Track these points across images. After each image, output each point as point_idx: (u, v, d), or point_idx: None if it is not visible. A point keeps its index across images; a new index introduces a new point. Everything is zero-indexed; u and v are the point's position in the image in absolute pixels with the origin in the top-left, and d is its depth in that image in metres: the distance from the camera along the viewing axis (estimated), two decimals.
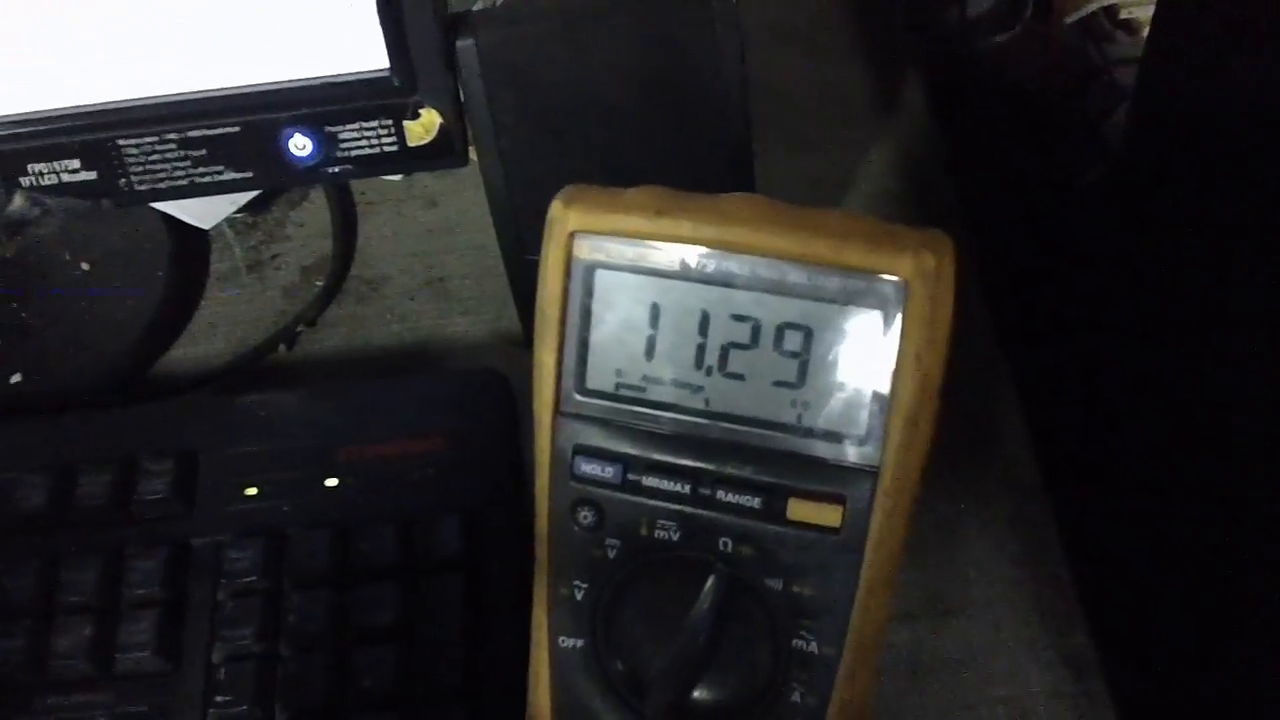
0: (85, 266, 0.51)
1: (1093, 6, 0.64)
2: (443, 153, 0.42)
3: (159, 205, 0.52)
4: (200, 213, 0.52)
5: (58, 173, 0.40)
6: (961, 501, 0.43)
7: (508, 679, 0.37)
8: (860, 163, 0.52)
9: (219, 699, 0.38)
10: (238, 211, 0.53)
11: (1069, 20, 0.65)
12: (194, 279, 0.52)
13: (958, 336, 0.45)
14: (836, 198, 0.51)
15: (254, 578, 0.40)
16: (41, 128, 0.40)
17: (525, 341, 0.47)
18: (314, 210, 0.54)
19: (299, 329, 0.50)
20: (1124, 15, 0.65)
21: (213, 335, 0.50)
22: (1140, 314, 0.45)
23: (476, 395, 0.44)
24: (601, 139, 0.41)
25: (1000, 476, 0.43)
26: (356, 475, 0.43)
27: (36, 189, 0.41)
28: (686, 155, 0.41)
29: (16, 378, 0.48)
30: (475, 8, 0.44)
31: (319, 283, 0.51)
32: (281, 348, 0.49)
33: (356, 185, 0.54)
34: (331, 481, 0.42)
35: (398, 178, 0.54)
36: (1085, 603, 0.40)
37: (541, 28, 0.40)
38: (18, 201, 0.42)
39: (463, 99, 0.41)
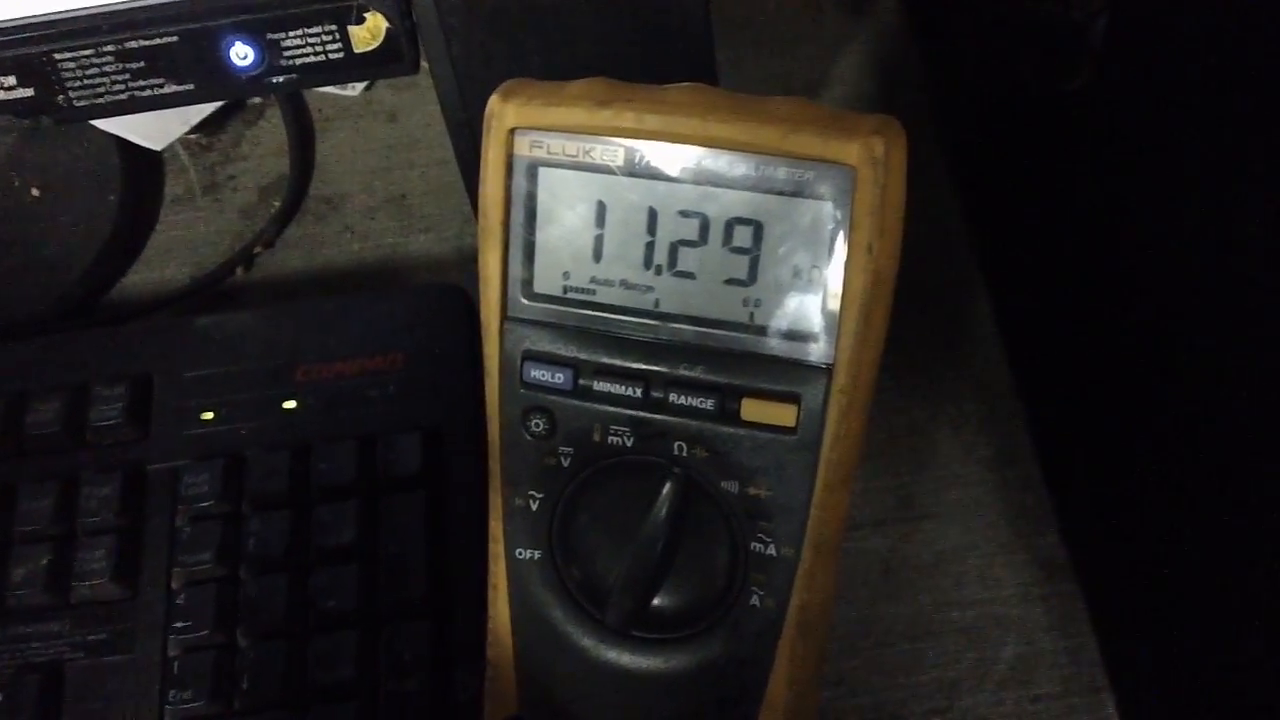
0: (35, 193, 0.50)
1: None
2: (391, 59, 0.40)
3: (110, 128, 0.51)
4: (151, 133, 0.50)
5: None
6: (933, 406, 0.42)
7: (471, 594, 0.36)
8: (831, 64, 0.51)
9: (179, 624, 0.37)
10: (191, 132, 0.52)
11: None
12: (147, 202, 0.51)
13: (930, 240, 0.44)
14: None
15: (212, 502, 0.39)
16: None
17: None
18: (270, 129, 0.52)
19: (256, 250, 0.49)
20: None
21: (168, 259, 0.49)
22: (1117, 220, 0.44)
23: (436, 310, 0.43)
24: (557, 41, 0.40)
25: (972, 381, 0.43)
26: (315, 395, 0.42)
27: None
28: (645, 54, 0.40)
29: None
30: None
31: (276, 203, 0.50)
32: (239, 270, 0.48)
33: (313, 102, 0.53)
34: (290, 403, 0.41)
35: (355, 93, 0.53)
36: (1057, 503, 0.40)
37: None
38: None
39: (410, 1, 0.39)
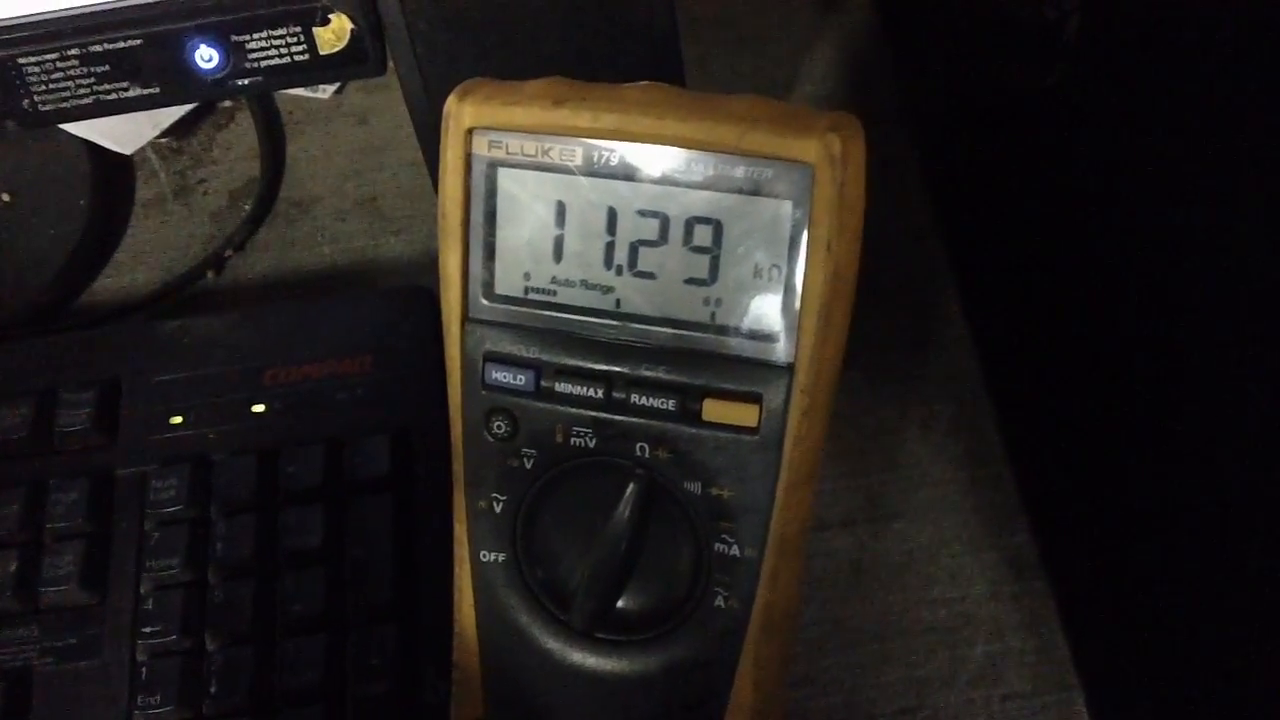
0: (5, 198, 0.49)
1: None
2: (356, 60, 0.40)
3: (79, 132, 0.50)
4: (121, 137, 0.50)
5: None
6: (902, 406, 0.42)
7: (439, 597, 0.36)
8: (801, 63, 0.51)
9: (147, 629, 0.37)
10: (161, 136, 0.51)
11: None
12: (118, 206, 0.51)
13: (901, 240, 0.44)
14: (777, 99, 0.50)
15: (180, 506, 0.39)
16: None
17: None
18: (241, 132, 0.52)
19: (227, 254, 0.48)
20: None
21: (139, 264, 0.49)
22: (1086, 219, 0.44)
23: (404, 313, 0.43)
24: (522, 41, 0.40)
25: (942, 381, 0.43)
26: (283, 398, 0.41)
27: None
28: (612, 53, 0.40)
29: None
30: None
31: (246, 206, 0.50)
32: (210, 274, 0.48)
33: (284, 105, 0.53)
34: (259, 407, 0.41)
35: (325, 95, 0.53)
36: (1026, 502, 0.40)
37: None
38: None
39: (375, 2, 0.39)
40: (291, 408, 0.41)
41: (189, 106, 0.51)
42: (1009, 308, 0.43)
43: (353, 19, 0.39)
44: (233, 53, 0.39)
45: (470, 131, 0.29)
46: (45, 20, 0.39)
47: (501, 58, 0.40)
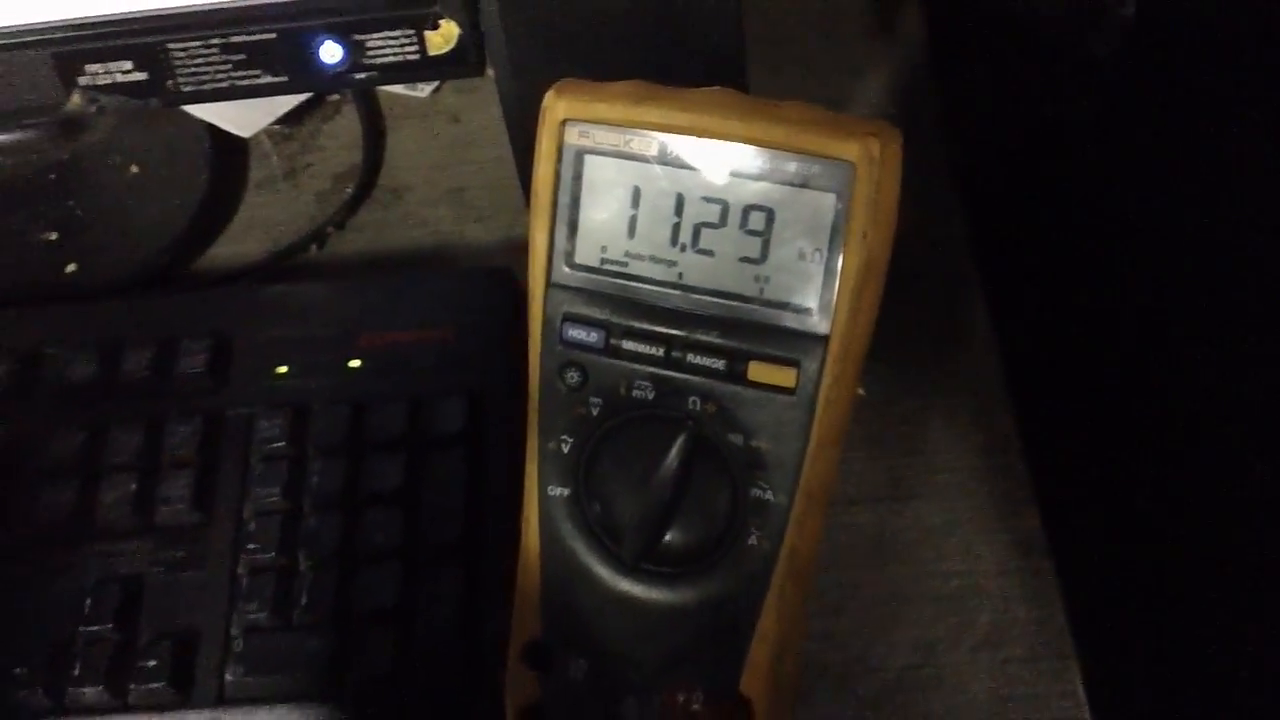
0: (134, 170, 0.55)
1: None
2: (460, 62, 0.45)
3: (203, 115, 0.56)
4: (240, 122, 0.56)
5: (112, 74, 0.44)
6: (926, 398, 0.46)
7: (501, 541, 0.41)
8: (852, 82, 0.55)
9: (249, 547, 0.42)
10: (275, 123, 0.57)
11: None
12: (233, 184, 0.56)
13: (931, 240, 0.49)
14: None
15: (282, 444, 0.44)
16: (98, 31, 0.44)
17: None
18: (345, 124, 0.58)
19: (328, 231, 0.54)
20: None
21: (249, 236, 0.55)
22: (1107, 227, 0.48)
23: (485, 290, 0.48)
24: (607, 53, 0.45)
25: (963, 377, 0.47)
26: (374, 359, 0.47)
27: (93, 88, 0.45)
28: (685, 65, 0.45)
29: (72, 267, 0.52)
30: None
31: (348, 190, 0.55)
32: (313, 248, 0.53)
33: (384, 101, 0.58)
34: (354, 363, 0.46)
35: (423, 94, 0.58)
36: (1037, 490, 0.44)
37: None
38: (76, 100, 0.46)
39: (479, 12, 0.44)
40: (381, 368, 0.46)
41: (301, 98, 0.57)
42: (1031, 313, 0.47)
43: (460, 25, 0.44)
44: (353, 50, 0.45)
45: (563, 123, 0.34)
46: (194, 12, 0.44)
47: (586, 63, 0.45)
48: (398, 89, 0.58)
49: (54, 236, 0.53)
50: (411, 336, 0.47)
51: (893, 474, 0.45)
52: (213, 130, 0.56)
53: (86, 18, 0.44)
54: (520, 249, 0.53)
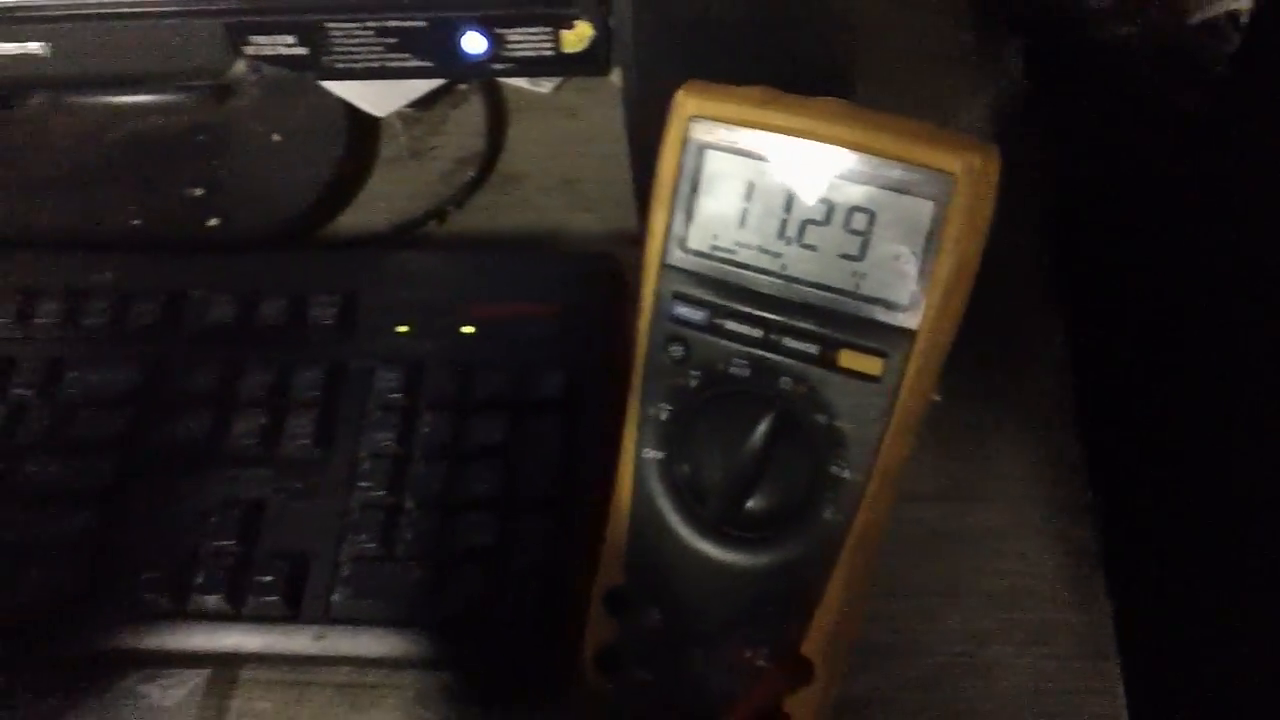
0: (276, 138, 0.60)
1: (1217, 9, 0.68)
2: (589, 61, 0.49)
3: (342, 93, 0.61)
4: (376, 102, 0.60)
5: (276, 46, 0.49)
6: (997, 411, 0.49)
7: (589, 496, 0.44)
8: (952, 107, 0.58)
9: (362, 484, 0.46)
10: (407, 105, 0.61)
11: (1191, 21, 0.68)
12: (364, 158, 0.61)
13: (1015, 270, 0.52)
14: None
15: (398, 395, 0.48)
16: (268, 5, 0.49)
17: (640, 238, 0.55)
18: (471, 112, 0.62)
19: (449, 209, 0.58)
20: (1246, 20, 0.68)
21: (376, 208, 0.59)
22: (1191, 267, 0.50)
23: (590, 275, 0.52)
24: (727, 60, 0.48)
25: (1034, 394, 0.50)
26: (485, 327, 0.51)
27: (257, 58, 0.49)
28: (798, 77, 0.48)
29: (214, 221, 0.57)
30: None
31: (469, 173, 0.59)
32: (433, 223, 0.58)
33: (509, 94, 0.62)
34: (467, 329, 0.50)
35: (545, 90, 0.62)
36: (1095, 503, 0.46)
37: None
38: (239, 67, 0.50)
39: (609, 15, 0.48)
40: (490, 336, 0.50)
41: (433, 84, 0.61)
42: (1105, 337, 0.50)
43: (594, 26, 0.48)
44: (495, 42, 0.49)
45: (691, 119, 0.37)
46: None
47: (708, 68, 0.48)
48: (521, 83, 0.63)
49: (200, 192, 0.58)
50: (520, 310, 0.51)
51: (956, 476, 0.48)
52: (349, 108, 0.61)
53: None
54: (625, 239, 0.57)
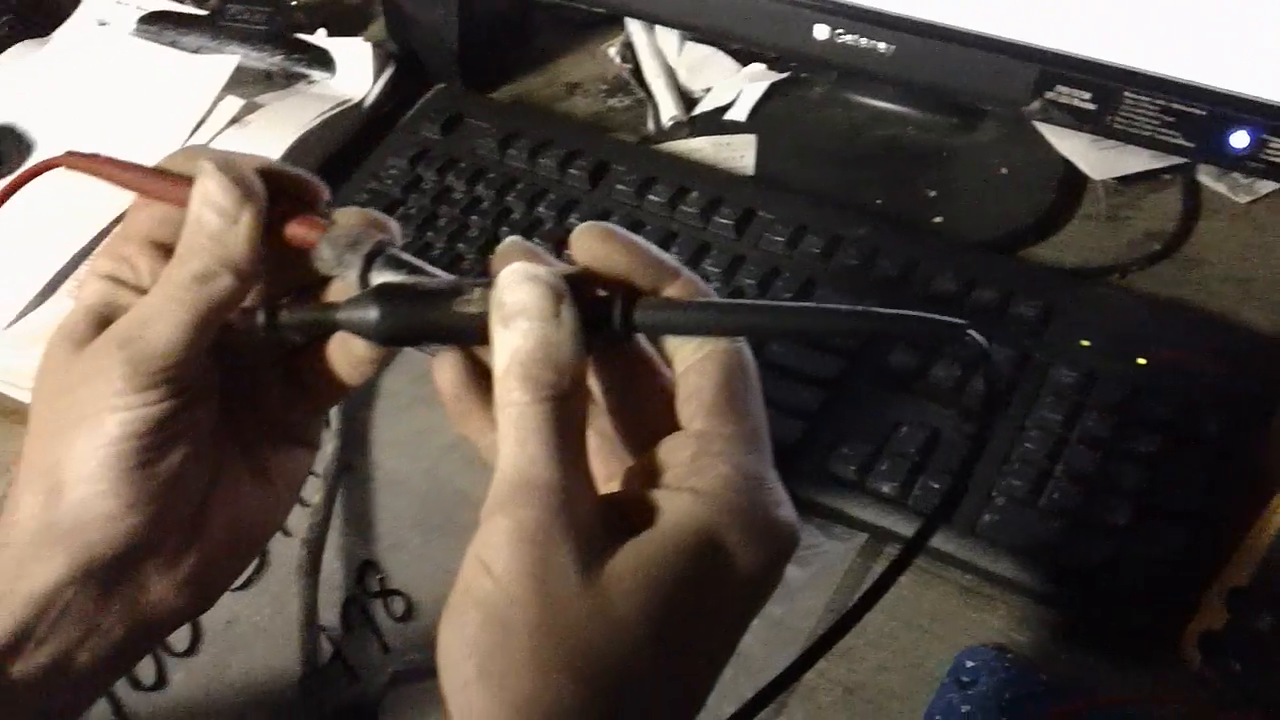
0: (1003, 170, 0.73)
1: None
2: None
3: (1065, 151, 0.72)
4: (1095, 166, 0.72)
5: (1073, 98, 0.61)
6: None
7: (1224, 520, 0.52)
8: None
9: (1025, 446, 0.57)
10: (1115, 177, 0.72)
11: None
12: (1067, 208, 0.72)
13: None
14: None
15: (1071, 388, 0.59)
16: (1083, 64, 0.61)
17: None
18: (1167, 199, 0.72)
19: (1133, 268, 0.68)
20: None
21: (1066, 249, 0.70)
22: None
23: (1254, 354, 0.60)
24: None
25: None
26: (1157, 363, 0.60)
27: (1052, 103, 0.62)
28: None
29: (938, 219, 0.71)
30: None
31: (1155, 245, 0.69)
32: (1115, 275, 0.68)
33: (1205, 194, 0.71)
34: (1141, 360, 0.60)
35: (1242, 201, 0.71)
36: None
37: None
38: (1035, 106, 0.63)
39: None
40: (1160, 371, 0.59)
41: (1146, 165, 0.71)
42: None
43: None
44: (1257, 145, 0.58)
45: None
46: (1159, 78, 0.60)
47: None
48: (1221, 188, 0.71)
49: (933, 194, 0.72)
50: (1191, 358, 0.60)
51: None
52: (1066, 164, 0.73)
53: (1078, 54, 0.61)
54: None
